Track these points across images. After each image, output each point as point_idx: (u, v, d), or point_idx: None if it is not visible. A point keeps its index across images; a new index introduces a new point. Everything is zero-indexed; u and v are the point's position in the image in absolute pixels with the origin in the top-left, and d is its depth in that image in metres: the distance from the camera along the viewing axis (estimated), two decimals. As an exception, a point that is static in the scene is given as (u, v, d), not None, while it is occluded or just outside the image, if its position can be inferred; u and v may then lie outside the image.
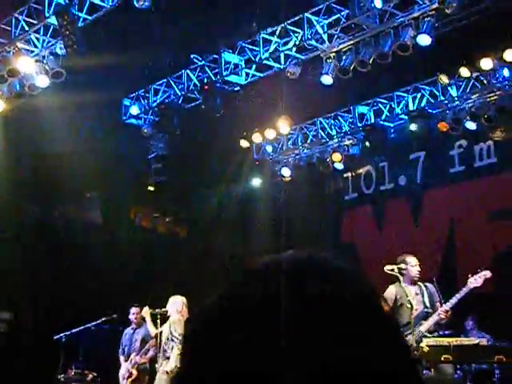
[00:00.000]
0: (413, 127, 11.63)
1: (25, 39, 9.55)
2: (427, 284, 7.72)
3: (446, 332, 7.60)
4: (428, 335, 7.31)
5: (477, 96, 11.11)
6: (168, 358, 8.37)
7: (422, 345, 6.99)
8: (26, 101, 10.14)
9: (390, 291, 7.64)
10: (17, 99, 10.09)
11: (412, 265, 7.65)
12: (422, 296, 7.60)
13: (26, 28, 9.44)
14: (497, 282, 7.56)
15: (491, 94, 10.96)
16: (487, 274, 7.36)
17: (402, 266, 7.57)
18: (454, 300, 7.39)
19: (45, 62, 9.59)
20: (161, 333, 8.67)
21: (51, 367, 9.38)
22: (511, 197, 11.17)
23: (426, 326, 7.39)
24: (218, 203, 13.37)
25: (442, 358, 6.86)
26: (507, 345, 6.95)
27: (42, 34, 9.53)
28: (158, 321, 8.65)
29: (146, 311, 9.10)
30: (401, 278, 7.49)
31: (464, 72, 10.49)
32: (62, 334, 9.30)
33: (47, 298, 11.18)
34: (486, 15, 9.05)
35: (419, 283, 7.71)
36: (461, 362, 7.54)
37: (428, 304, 7.56)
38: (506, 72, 10.50)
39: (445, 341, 7.08)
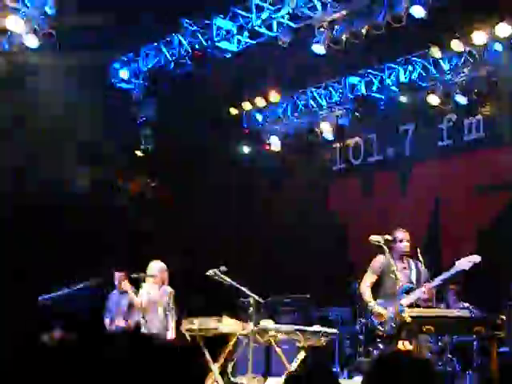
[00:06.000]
0: (403, 99, 11.64)
1: (14, -2, 9.41)
2: (417, 262, 7.76)
3: (428, 303, 7.68)
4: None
5: (468, 70, 11.10)
6: (165, 327, 8.68)
7: (403, 315, 7.07)
8: (14, 60, 10.01)
9: (378, 260, 7.70)
10: (4, 58, 9.96)
11: (399, 239, 7.69)
12: (410, 271, 7.66)
13: (16, -14, 9.30)
14: (479, 254, 7.62)
15: (483, 69, 10.94)
16: (476, 258, 7.41)
17: (390, 238, 7.60)
18: (439, 280, 7.45)
19: (34, 21, 9.46)
20: (147, 297, 8.72)
21: (34, 329, 9.40)
22: (498, 172, 11.23)
23: (407, 299, 7.46)
24: (206, 171, 13.33)
25: (424, 329, 6.94)
26: (487, 317, 7.03)
27: (32, -7, 9.39)
28: (143, 284, 8.67)
29: (127, 285, 9.13)
30: (386, 249, 7.54)
31: (456, 46, 10.46)
32: (45, 296, 9.30)
33: (31, 261, 11.16)
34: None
35: (408, 258, 7.76)
36: (442, 333, 7.64)
37: (414, 280, 7.62)
38: (498, 47, 10.47)
39: (426, 312, 7.16)
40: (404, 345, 7.11)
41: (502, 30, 9.98)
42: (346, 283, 9.95)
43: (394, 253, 7.72)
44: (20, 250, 11.19)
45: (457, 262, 7.41)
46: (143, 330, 8.70)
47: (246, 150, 13.86)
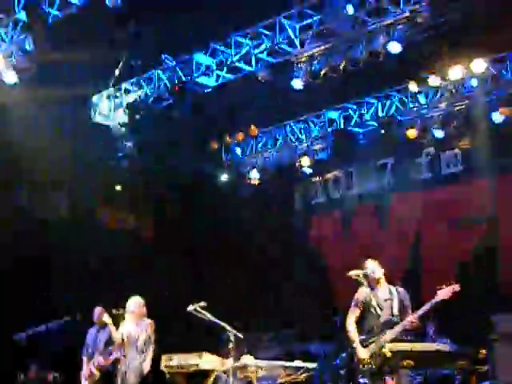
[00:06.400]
0: (382, 133, 11.75)
1: (-7, 34, 9.41)
2: (400, 289, 7.72)
3: (409, 337, 7.64)
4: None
5: (445, 104, 11.24)
6: (144, 360, 8.54)
7: (384, 350, 7.02)
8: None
9: (360, 293, 7.64)
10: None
11: (370, 268, 7.65)
12: (392, 302, 7.60)
13: (-5, 23, 9.32)
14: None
15: (459, 103, 11.09)
16: (456, 287, 7.41)
17: (366, 271, 7.59)
18: (421, 311, 7.42)
19: (13, 57, 9.46)
20: (127, 333, 8.61)
21: (11, 367, 9.26)
22: (476, 205, 11.33)
23: (389, 335, 7.39)
24: (185, 203, 13.31)
25: (405, 364, 6.91)
26: (468, 351, 7.03)
27: (10, 29, 9.39)
28: (122, 321, 8.57)
29: (107, 317, 9.04)
30: (365, 283, 7.51)
31: (433, 80, 10.61)
32: (22, 334, 9.16)
33: (8, 296, 11.02)
34: (455, 25, 9.15)
35: (391, 288, 7.71)
36: (423, 368, 7.59)
37: (397, 311, 7.55)
38: (474, 82, 10.64)
39: (407, 346, 7.12)
40: (385, 380, 7.06)
41: (478, 65, 10.15)
42: (330, 317, 9.84)
43: (372, 284, 7.69)
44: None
45: (438, 292, 7.40)
46: (122, 366, 8.58)
47: (224, 183, 13.79)
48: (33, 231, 11.94)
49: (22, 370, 9.23)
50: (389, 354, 6.94)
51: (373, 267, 7.63)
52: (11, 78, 9.48)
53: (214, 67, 10.76)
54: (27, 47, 9.39)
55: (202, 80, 10.99)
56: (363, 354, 7.31)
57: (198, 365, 8.39)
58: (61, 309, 9.70)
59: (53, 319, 9.38)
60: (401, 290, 7.71)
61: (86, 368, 9.33)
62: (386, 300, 7.58)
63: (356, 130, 12.32)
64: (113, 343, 9.10)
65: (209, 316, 8.32)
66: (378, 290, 7.64)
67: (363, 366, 7.33)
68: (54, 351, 9.63)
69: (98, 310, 9.53)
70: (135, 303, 8.82)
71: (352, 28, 9.50)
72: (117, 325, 8.81)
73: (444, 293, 7.35)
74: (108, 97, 12.21)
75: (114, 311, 8.82)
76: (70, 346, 9.96)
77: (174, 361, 8.50)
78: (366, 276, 7.49)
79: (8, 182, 11.88)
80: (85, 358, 9.42)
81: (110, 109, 12.20)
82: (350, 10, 9.09)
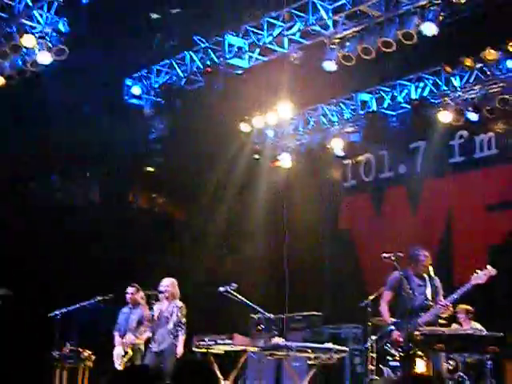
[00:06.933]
0: (414, 116, 11.64)
1: (28, 15, 9.48)
2: (434, 277, 7.71)
3: (441, 321, 7.62)
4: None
5: (479, 87, 11.09)
6: (176, 342, 8.59)
7: (415, 333, 7.02)
8: (28, 77, 10.08)
9: (393, 277, 7.66)
10: (19, 75, 10.04)
11: (421, 258, 7.63)
12: (426, 287, 7.59)
13: (30, 4, 9.38)
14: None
15: (494, 86, 10.93)
16: (492, 271, 7.35)
17: (401, 255, 7.57)
18: (455, 295, 7.39)
19: (48, 39, 9.53)
20: (159, 313, 8.72)
21: (46, 344, 9.43)
22: (510, 189, 11.19)
23: (424, 318, 7.39)
24: (217, 186, 13.34)
25: (435, 347, 6.90)
26: (500, 336, 6.97)
27: (45, 10, 9.47)
28: (154, 301, 8.68)
29: (142, 296, 9.19)
30: (398, 266, 7.51)
31: (468, 63, 10.47)
32: (57, 312, 9.34)
33: (45, 275, 11.20)
34: (491, 6, 9.00)
35: (424, 275, 7.69)
36: (453, 352, 7.57)
37: (430, 296, 7.55)
38: (509, 64, 10.47)
39: (438, 330, 7.11)
40: (416, 363, 7.05)
41: (514, 47, 10.00)
42: (361, 300, 9.74)
43: (411, 269, 7.67)
44: (34, 263, 11.24)
45: (472, 276, 7.35)
46: (153, 345, 8.70)
47: (256, 165, 13.80)
48: (64, 216, 12.09)
49: (57, 347, 9.40)
50: (420, 338, 6.94)
51: (424, 257, 7.61)
52: (46, 58, 9.57)
53: (246, 48, 10.72)
54: (62, 28, 9.47)
55: (234, 61, 10.97)
56: (397, 336, 7.32)
57: (229, 345, 8.46)
58: (93, 289, 9.84)
59: (86, 299, 9.55)
60: (435, 278, 7.69)
61: (118, 346, 9.49)
62: (419, 284, 7.57)
63: (388, 112, 12.22)
64: (143, 323, 9.24)
65: (240, 297, 8.40)
66: (411, 273, 7.63)
67: (396, 349, 7.35)
68: (88, 329, 9.79)
69: (130, 289, 9.67)
70: (167, 283, 8.92)
71: (385, 9, 9.39)
72: (150, 305, 8.93)
73: (478, 277, 7.30)
74: (140, 78, 12.25)
75: (146, 292, 8.94)
76: (102, 325, 10.12)
77: (206, 342, 8.58)
78: (398, 258, 7.48)
79: (41, 167, 12.02)
80: (117, 336, 9.58)
81: (142, 90, 12.24)
82: (383, -10, 9.01)
